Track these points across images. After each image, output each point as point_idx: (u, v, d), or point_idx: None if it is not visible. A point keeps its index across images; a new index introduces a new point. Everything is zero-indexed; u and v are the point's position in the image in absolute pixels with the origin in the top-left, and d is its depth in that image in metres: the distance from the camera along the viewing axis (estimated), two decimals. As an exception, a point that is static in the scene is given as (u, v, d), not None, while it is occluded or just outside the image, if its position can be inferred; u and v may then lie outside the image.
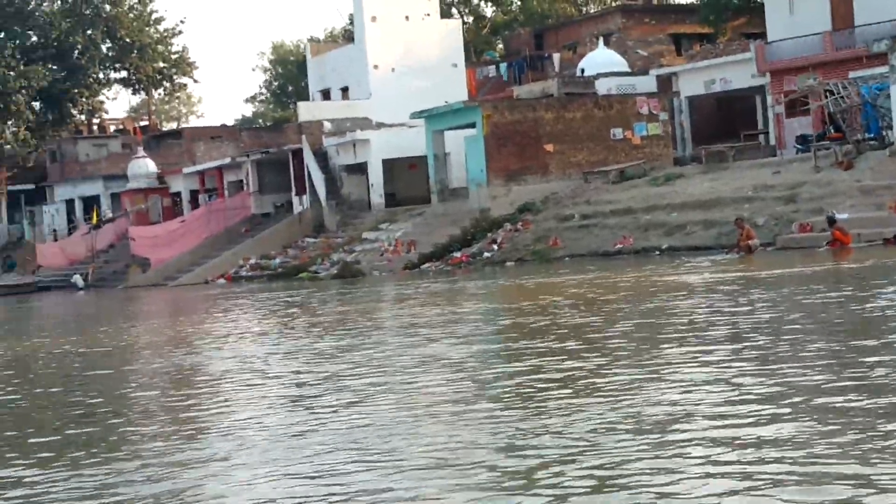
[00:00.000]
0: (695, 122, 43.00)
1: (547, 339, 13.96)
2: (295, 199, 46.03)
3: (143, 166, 54.45)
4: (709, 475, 6.76)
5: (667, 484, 6.64)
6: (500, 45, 64.84)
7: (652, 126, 39.52)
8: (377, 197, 43.10)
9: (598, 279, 23.63)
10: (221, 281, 40.98)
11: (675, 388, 9.71)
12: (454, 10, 64.46)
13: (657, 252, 30.08)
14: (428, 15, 48.39)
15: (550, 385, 10.45)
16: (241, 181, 49.42)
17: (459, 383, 11.14)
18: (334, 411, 10.14)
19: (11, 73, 58.06)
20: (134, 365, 15.73)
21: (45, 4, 63.62)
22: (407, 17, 47.93)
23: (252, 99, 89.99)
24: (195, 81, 73.67)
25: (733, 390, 9.36)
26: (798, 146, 36.49)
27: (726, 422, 8.15)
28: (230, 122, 72.95)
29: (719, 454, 7.25)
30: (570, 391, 10.06)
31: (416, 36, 47.82)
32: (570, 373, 11.10)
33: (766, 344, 11.84)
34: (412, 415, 9.59)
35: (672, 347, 12.21)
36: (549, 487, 6.83)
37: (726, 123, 42.79)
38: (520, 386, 10.60)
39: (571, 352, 12.73)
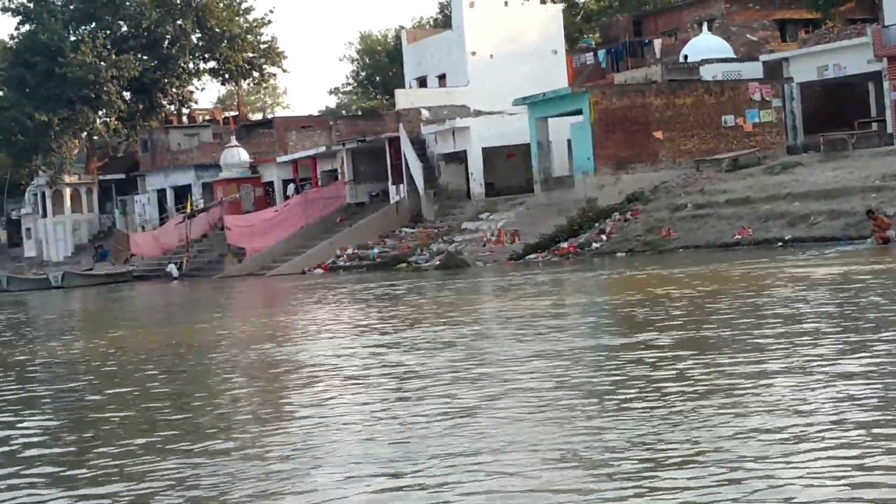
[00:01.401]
0: (803, 109, 41.46)
1: (677, 332, 13.36)
2: (391, 189, 45.22)
3: (236, 155, 54.19)
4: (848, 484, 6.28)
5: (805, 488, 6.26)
6: (594, 34, 63.42)
7: (764, 113, 38.09)
8: (477, 186, 42.15)
9: (724, 271, 22.56)
10: (319, 271, 40.37)
11: (818, 385, 9.34)
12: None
13: (779, 243, 28.79)
14: (527, 0, 47.21)
15: (683, 385, 9.92)
16: (336, 170, 48.76)
17: (580, 379, 10.83)
18: (448, 402, 10.00)
19: (102, 63, 57.96)
20: (250, 356, 15.00)
21: (135, -6, 63.50)
22: (506, 3, 46.77)
23: (336, 90, 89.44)
24: (284, 71, 73.12)
25: (878, 387, 8.95)
26: (920, 134, 35.00)
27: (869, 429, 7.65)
28: (315, 113, 72.32)
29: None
30: (701, 389, 9.63)
31: (515, 22, 46.64)
32: (706, 369, 10.61)
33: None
34: (528, 410, 9.30)
35: (821, 343, 11.72)
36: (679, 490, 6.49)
37: (835, 111, 41.21)
38: (649, 381, 10.24)
39: (708, 346, 12.20)
